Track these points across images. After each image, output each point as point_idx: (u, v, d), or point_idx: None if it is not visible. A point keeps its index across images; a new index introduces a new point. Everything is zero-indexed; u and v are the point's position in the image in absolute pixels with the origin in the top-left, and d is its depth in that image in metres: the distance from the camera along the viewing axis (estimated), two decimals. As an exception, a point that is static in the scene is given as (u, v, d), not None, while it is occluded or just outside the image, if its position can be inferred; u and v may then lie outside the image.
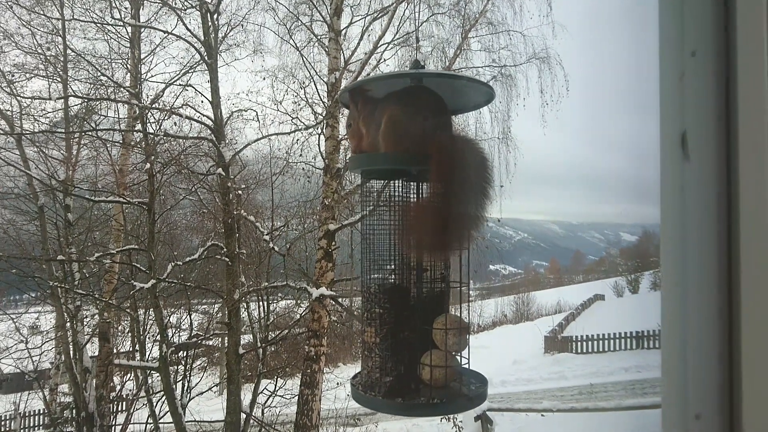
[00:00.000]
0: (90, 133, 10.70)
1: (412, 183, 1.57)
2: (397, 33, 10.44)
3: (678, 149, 0.57)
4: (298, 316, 11.02)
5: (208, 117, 9.46)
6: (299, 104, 10.82)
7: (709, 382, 0.59)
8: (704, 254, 0.57)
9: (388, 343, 1.48)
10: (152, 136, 9.97)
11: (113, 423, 10.70)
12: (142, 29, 11.13)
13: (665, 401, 0.62)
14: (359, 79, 9.53)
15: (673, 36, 0.59)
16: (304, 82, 10.93)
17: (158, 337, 9.37)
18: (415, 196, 1.56)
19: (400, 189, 1.57)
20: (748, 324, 0.55)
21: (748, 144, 0.54)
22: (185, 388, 10.38)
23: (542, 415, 9.87)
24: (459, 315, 1.54)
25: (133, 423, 10.69)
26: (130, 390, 11.63)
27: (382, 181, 1.59)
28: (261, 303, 10.54)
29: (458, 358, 1.50)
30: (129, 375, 12.09)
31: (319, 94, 10.79)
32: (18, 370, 13.26)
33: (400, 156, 1.48)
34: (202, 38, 9.54)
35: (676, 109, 0.59)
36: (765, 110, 0.53)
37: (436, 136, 1.46)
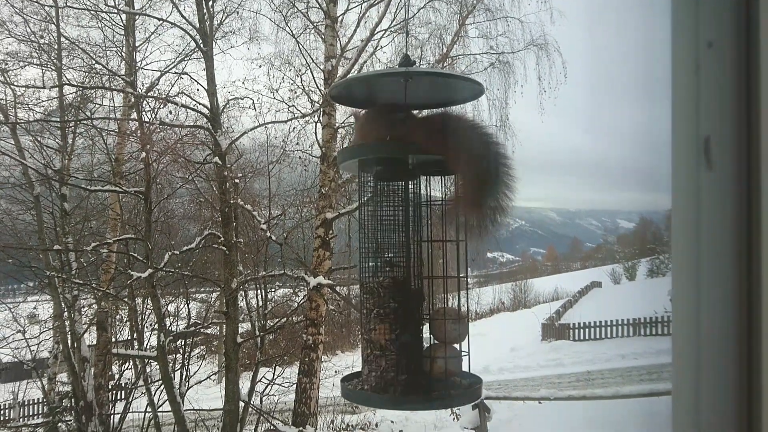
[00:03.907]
0: (85, 121, 10.61)
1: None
2: (394, 20, 10.35)
3: (696, 155, 0.53)
4: (295, 305, 11.03)
5: (204, 105, 9.39)
6: (296, 92, 10.75)
7: (725, 397, 0.55)
8: (721, 269, 0.53)
9: (402, 339, 1.44)
10: (148, 125, 9.90)
11: (112, 412, 10.71)
12: (137, 16, 11.00)
13: (675, 419, 0.59)
14: (354, 69, 9.46)
15: (688, 25, 0.55)
16: (300, 70, 10.85)
17: (156, 326, 9.37)
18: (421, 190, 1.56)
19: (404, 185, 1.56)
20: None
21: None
22: (184, 376, 10.40)
23: (540, 403, 9.91)
24: (459, 306, 1.53)
25: (132, 411, 10.71)
26: (129, 379, 11.65)
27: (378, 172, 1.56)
28: (259, 292, 10.53)
29: (462, 351, 1.50)
30: (127, 364, 12.08)
31: (315, 82, 10.73)
32: (16, 360, 13.25)
33: (389, 145, 1.48)
34: (198, 25, 9.44)
35: (692, 110, 0.54)
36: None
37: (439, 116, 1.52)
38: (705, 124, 0.53)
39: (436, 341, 1.48)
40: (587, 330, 21.60)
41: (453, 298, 1.54)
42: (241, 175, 9.96)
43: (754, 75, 0.52)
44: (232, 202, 8.97)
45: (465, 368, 1.54)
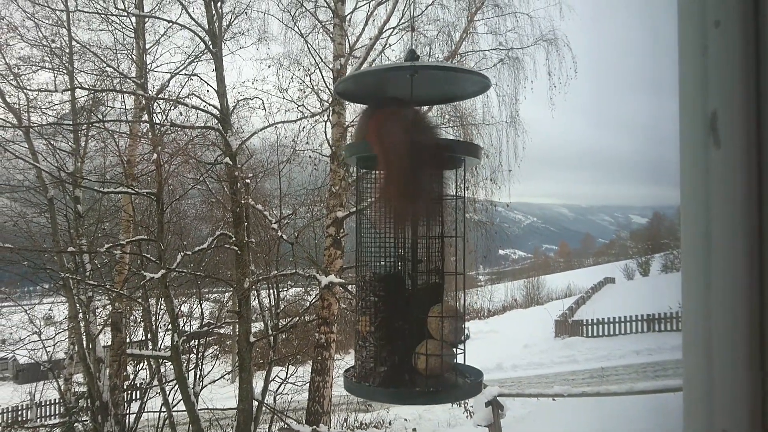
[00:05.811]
0: (97, 124, 10.70)
1: None
2: (402, 17, 10.33)
3: (703, 134, 0.51)
4: (308, 304, 11.05)
5: (214, 106, 9.43)
6: (305, 91, 10.77)
7: (737, 392, 0.54)
8: (732, 250, 0.52)
9: (383, 332, 1.47)
10: (159, 127, 9.96)
11: (127, 411, 10.82)
12: (147, 19, 11.08)
13: (687, 416, 0.58)
14: (363, 68, 9.45)
15: (694, 5, 0.54)
16: (309, 69, 10.85)
17: (170, 327, 9.42)
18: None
19: None
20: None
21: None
22: (198, 376, 10.47)
23: (553, 400, 9.84)
24: (455, 304, 1.53)
25: (147, 411, 10.80)
26: (144, 379, 11.74)
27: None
28: (271, 291, 10.56)
29: (454, 349, 1.49)
30: (142, 364, 12.18)
31: (324, 81, 10.73)
32: (33, 361, 13.43)
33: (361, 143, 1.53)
34: (207, 27, 9.48)
35: (699, 90, 0.52)
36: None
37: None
38: (713, 103, 0.52)
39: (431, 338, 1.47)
40: (601, 326, 21.45)
41: (456, 295, 1.55)
42: (251, 175, 9.99)
43: (763, 53, 0.50)
44: (243, 202, 9.00)
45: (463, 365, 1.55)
